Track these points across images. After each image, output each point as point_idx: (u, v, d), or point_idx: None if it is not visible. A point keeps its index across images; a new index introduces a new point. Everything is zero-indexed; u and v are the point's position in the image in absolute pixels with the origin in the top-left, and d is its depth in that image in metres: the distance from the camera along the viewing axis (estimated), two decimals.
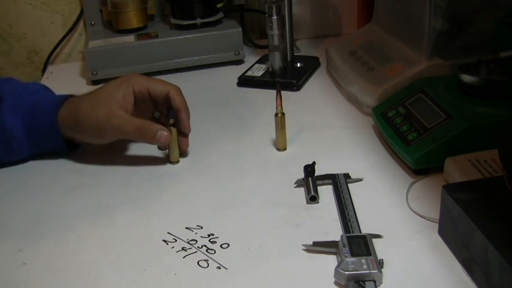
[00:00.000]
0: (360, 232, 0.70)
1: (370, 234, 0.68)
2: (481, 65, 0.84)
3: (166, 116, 0.90)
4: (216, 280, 0.66)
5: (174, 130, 0.88)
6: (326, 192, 0.79)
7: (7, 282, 0.68)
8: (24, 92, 0.92)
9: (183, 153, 0.92)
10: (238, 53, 1.28)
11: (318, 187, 0.79)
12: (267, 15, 1.11)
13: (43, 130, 0.90)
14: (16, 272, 0.70)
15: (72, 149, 0.93)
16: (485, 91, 0.82)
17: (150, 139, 0.87)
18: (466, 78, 0.83)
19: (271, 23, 1.11)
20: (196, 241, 0.72)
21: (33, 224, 0.78)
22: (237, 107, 1.09)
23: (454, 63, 0.92)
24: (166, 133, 0.86)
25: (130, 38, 1.27)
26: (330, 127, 0.98)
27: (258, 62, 1.25)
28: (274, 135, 0.92)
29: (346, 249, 0.65)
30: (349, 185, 0.80)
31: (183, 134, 0.91)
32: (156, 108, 0.93)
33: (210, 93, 1.16)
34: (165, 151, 0.92)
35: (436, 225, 0.70)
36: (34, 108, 0.90)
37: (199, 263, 0.68)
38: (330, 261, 0.66)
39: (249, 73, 1.20)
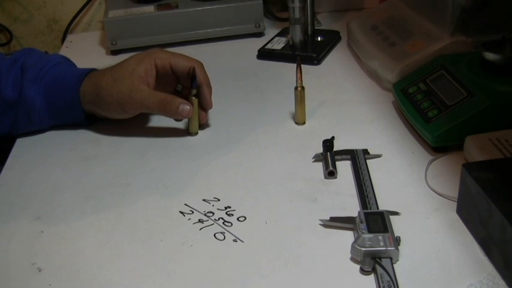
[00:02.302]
0: (378, 208, 0.70)
1: (387, 210, 0.68)
2: (505, 42, 0.82)
3: (189, 89, 0.89)
4: (232, 253, 0.66)
5: (195, 101, 0.88)
6: (344, 167, 0.79)
7: (24, 249, 0.69)
8: (47, 64, 0.92)
9: (201, 126, 0.91)
10: (259, 25, 1.27)
11: (336, 162, 0.79)
12: None
13: (64, 103, 0.90)
14: (33, 240, 0.70)
15: (92, 122, 0.93)
16: (508, 69, 0.81)
17: (173, 113, 0.87)
18: (489, 55, 0.82)
19: None
20: (213, 213, 0.72)
21: (50, 193, 0.79)
22: (257, 80, 1.08)
23: (477, 40, 0.91)
24: (188, 107, 0.86)
25: (150, 8, 1.26)
26: (350, 102, 0.97)
27: (278, 34, 1.24)
28: (293, 109, 0.91)
29: (363, 225, 0.65)
30: (367, 161, 0.79)
31: (203, 108, 0.90)
32: (178, 82, 0.92)
33: (229, 66, 1.15)
34: (184, 122, 0.92)
35: (454, 204, 0.69)
36: (56, 81, 0.90)
37: (216, 235, 0.68)
38: (347, 237, 0.66)
39: (269, 46, 1.19)
